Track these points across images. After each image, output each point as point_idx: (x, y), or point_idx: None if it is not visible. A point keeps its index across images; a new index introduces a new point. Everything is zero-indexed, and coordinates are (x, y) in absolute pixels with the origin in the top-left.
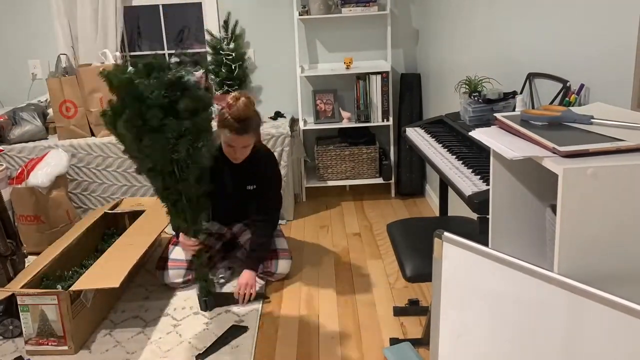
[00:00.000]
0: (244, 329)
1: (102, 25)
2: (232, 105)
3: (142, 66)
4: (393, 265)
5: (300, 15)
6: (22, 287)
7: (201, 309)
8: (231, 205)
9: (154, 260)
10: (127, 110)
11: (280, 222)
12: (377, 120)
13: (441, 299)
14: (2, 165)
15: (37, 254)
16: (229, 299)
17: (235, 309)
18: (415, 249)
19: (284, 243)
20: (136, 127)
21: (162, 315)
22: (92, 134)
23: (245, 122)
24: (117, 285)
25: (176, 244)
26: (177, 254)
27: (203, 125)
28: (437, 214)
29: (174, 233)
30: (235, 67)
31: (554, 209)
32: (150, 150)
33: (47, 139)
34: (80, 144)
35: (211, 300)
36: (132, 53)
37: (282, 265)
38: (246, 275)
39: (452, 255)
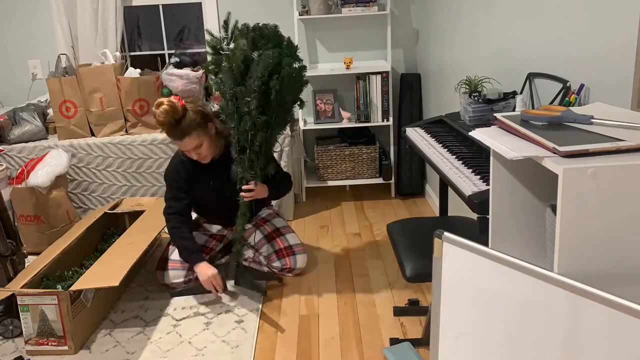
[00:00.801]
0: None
1: (102, 25)
2: (154, 113)
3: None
4: (393, 265)
5: (300, 15)
6: (22, 287)
7: (233, 279)
8: (228, 204)
9: (154, 260)
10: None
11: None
12: (377, 120)
13: (441, 299)
14: (2, 165)
15: (37, 254)
16: (255, 275)
17: (235, 308)
18: (415, 249)
19: (296, 238)
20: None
21: (162, 315)
22: (92, 134)
23: (176, 127)
24: (116, 284)
25: None
26: (178, 254)
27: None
28: (437, 214)
29: None
30: None
31: (554, 209)
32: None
33: (47, 139)
34: (80, 144)
35: (242, 271)
36: (132, 53)
37: (300, 260)
38: (261, 186)
39: (452, 255)
